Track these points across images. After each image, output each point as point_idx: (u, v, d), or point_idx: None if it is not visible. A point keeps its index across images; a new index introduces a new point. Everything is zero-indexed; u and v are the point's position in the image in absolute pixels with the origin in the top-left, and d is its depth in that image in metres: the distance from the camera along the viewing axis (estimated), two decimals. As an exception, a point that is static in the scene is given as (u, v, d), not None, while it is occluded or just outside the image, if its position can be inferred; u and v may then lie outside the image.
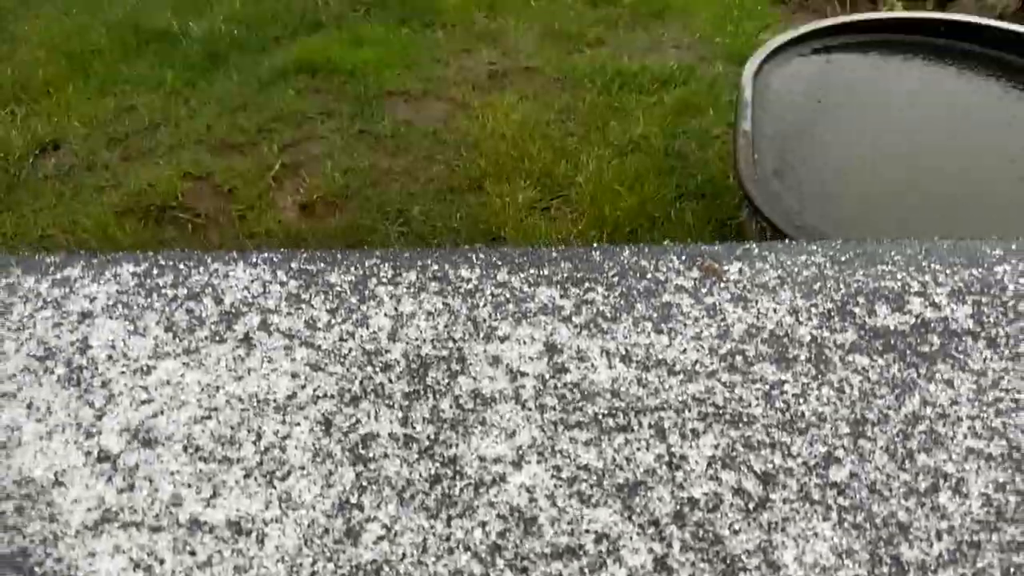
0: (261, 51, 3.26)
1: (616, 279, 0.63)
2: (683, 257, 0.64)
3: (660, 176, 2.64)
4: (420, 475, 0.50)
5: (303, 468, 0.50)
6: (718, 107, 2.93)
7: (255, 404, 0.53)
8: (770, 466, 0.50)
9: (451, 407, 0.52)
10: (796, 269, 0.63)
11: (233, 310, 0.59)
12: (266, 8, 3.49)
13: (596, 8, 3.61)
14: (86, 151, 2.77)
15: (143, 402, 0.53)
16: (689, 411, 0.52)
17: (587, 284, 0.62)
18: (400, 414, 0.52)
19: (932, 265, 0.63)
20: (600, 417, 0.52)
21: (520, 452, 0.50)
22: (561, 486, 0.49)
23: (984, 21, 2.51)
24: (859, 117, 2.28)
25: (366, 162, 2.75)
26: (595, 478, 0.49)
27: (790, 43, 2.42)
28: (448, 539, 0.46)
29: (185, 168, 2.69)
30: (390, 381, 0.54)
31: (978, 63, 2.42)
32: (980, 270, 0.63)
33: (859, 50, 2.48)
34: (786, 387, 0.54)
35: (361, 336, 0.57)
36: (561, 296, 0.61)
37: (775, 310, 0.59)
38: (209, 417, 0.52)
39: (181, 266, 0.62)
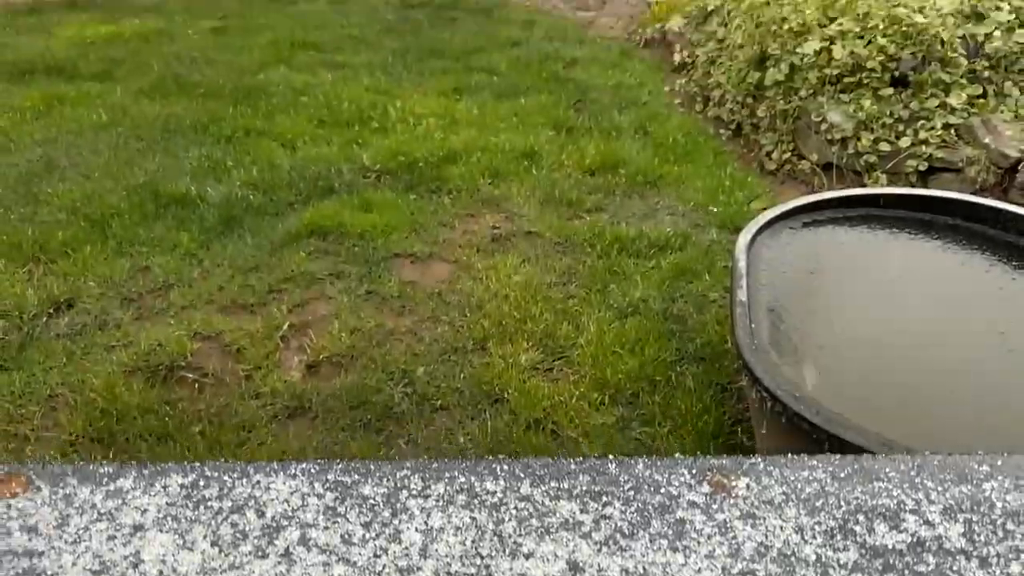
0: (276, 215, 3.40)
1: (632, 493, 0.67)
2: (694, 471, 0.69)
3: (660, 339, 2.72)
4: None
5: None
6: (714, 272, 3.05)
7: (295, 623, 0.56)
8: None
9: (480, 627, 0.55)
10: (799, 485, 0.68)
11: (274, 523, 0.63)
12: (282, 175, 3.67)
13: (594, 177, 3.81)
14: (99, 310, 2.85)
15: (190, 621, 0.56)
16: (706, 633, 0.55)
17: (604, 498, 0.66)
18: (432, 635, 0.55)
19: (924, 481, 0.68)
20: (622, 638, 0.55)
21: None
22: None
23: (958, 196, 2.66)
24: (849, 289, 2.38)
25: (372, 322, 2.82)
26: None
27: (780, 216, 2.56)
28: None
29: (195, 328, 2.76)
30: (422, 600, 0.58)
31: (962, 236, 2.55)
32: (969, 487, 0.68)
33: (846, 223, 2.62)
34: (796, 608, 0.57)
35: (394, 552, 0.61)
36: (581, 511, 0.65)
37: (781, 528, 0.63)
38: (252, 637, 0.55)
39: (226, 477, 0.67)
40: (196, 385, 2.56)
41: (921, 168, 3.48)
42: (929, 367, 2.09)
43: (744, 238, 2.38)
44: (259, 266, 3.09)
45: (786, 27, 3.90)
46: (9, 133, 4.07)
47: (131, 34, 5.52)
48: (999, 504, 0.66)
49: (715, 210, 3.48)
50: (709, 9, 4.97)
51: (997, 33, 3.69)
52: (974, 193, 3.35)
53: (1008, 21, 3.76)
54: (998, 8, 3.81)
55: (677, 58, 5.11)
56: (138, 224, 3.30)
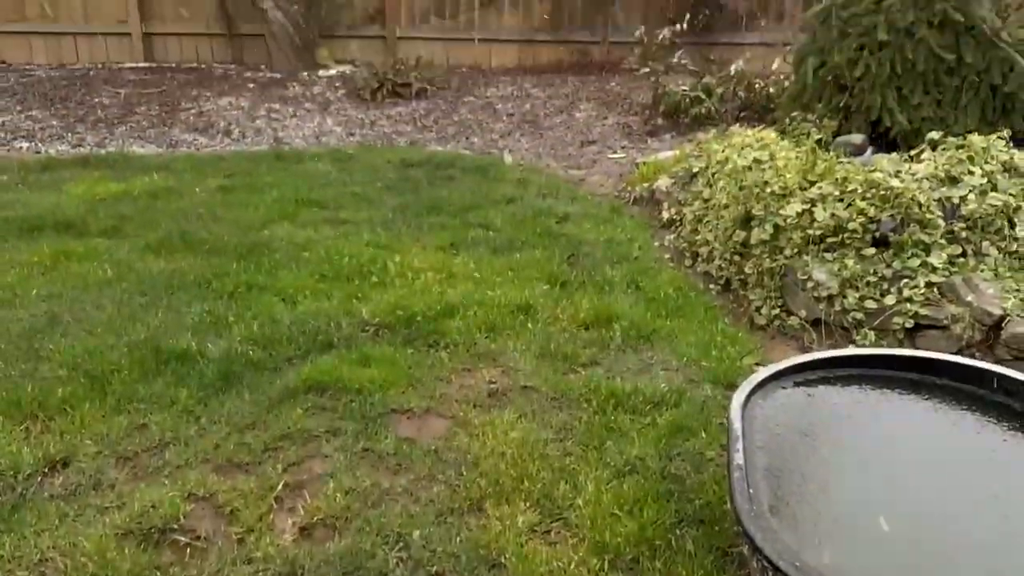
0: (274, 370, 3.44)
1: None
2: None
3: (658, 500, 2.70)
4: None
5: None
6: (710, 430, 3.06)
7: None
8: None
9: None
10: None
11: None
12: (282, 330, 3.73)
13: (588, 331, 3.88)
14: (94, 469, 2.84)
15: None
16: None
17: None
18: None
19: None
20: None
21: None
22: None
23: (940, 357, 2.72)
24: (843, 451, 2.40)
25: (368, 482, 2.81)
26: None
27: (772, 377, 2.60)
28: None
29: (190, 488, 2.74)
30: None
31: (951, 396, 2.59)
32: None
33: (837, 383, 2.66)
34: None
35: None
36: None
37: None
38: None
39: None
40: (188, 549, 2.52)
41: (907, 325, 3.57)
42: (926, 532, 2.09)
43: (738, 399, 2.42)
44: (256, 423, 3.10)
45: (768, 190, 4.09)
46: (15, 288, 4.15)
47: (141, 191, 5.71)
48: None
49: (708, 366, 3.53)
50: (694, 171, 5.21)
51: (971, 196, 3.87)
52: (961, 350, 3.43)
53: (980, 185, 3.95)
54: (970, 172, 4.02)
55: (665, 215, 5.30)
56: (138, 381, 3.32)
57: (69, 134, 7.51)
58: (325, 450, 2.98)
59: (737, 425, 2.29)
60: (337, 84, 9.42)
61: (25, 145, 7.21)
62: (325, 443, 3.01)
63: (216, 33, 10.21)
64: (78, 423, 3.04)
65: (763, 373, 2.60)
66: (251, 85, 9.29)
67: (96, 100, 8.56)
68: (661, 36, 8.55)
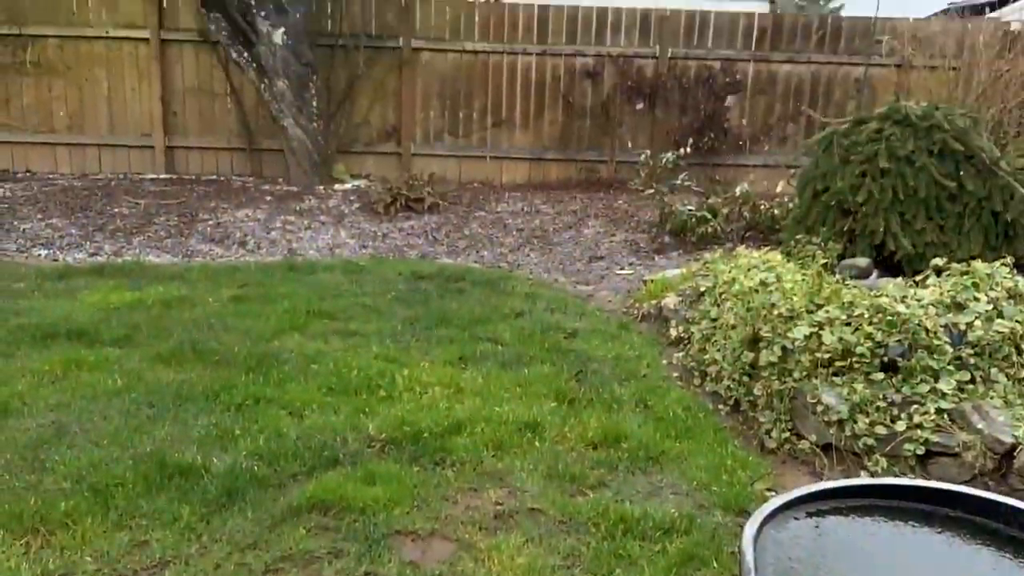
0: (278, 487, 3.40)
1: None
2: None
3: (670, 637, 2.62)
4: None
5: None
6: (721, 559, 3.00)
7: None
8: None
9: None
10: None
11: None
12: (288, 445, 3.71)
13: (597, 450, 3.84)
14: (92, 588, 2.78)
15: None
16: None
17: None
18: None
19: None
20: None
21: None
22: None
23: (955, 489, 2.67)
24: (858, 586, 2.33)
25: (369, 608, 2.74)
26: None
27: (784, 507, 2.56)
28: None
29: (188, 611, 2.68)
30: None
31: (964, 529, 2.54)
32: None
33: (849, 513, 2.61)
34: None
35: None
36: None
37: None
38: None
39: None
40: (182, 676, 2.44)
41: (919, 452, 3.53)
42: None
43: (750, 530, 2.37)
44: (257, 543, 3.05)
45: (776, 312, 4.13)
46: (24, 397, 4.16)
47: (154, 300, 5.79)
48: None
49: (719, 490, 3.48)
50: (701, 290, 5.27)
51: (978, 323, 3.90)
52: (974, 478, 3.39)
53: (986, 311, 3.98)
54: (976, 299, 4.06)
55: (673, 333, 5.33)
56: (141, 495, 3.29)
57: (87, 243, 7.67)
58: (326, 573, 2.92)
59: (749, 558, 2.24)
60: (352, 198, 9.66)
61: (43, 252, 7.37)
62: (327, 565, 2.95)
63: (236, 148, 10.57)
64: (79, 539, 3.00)
65: (774, 503, 2.55)
66: (268, 197, 9.54)
67: (116, 210, 8.79)
68: (665, 160, 8.81)
